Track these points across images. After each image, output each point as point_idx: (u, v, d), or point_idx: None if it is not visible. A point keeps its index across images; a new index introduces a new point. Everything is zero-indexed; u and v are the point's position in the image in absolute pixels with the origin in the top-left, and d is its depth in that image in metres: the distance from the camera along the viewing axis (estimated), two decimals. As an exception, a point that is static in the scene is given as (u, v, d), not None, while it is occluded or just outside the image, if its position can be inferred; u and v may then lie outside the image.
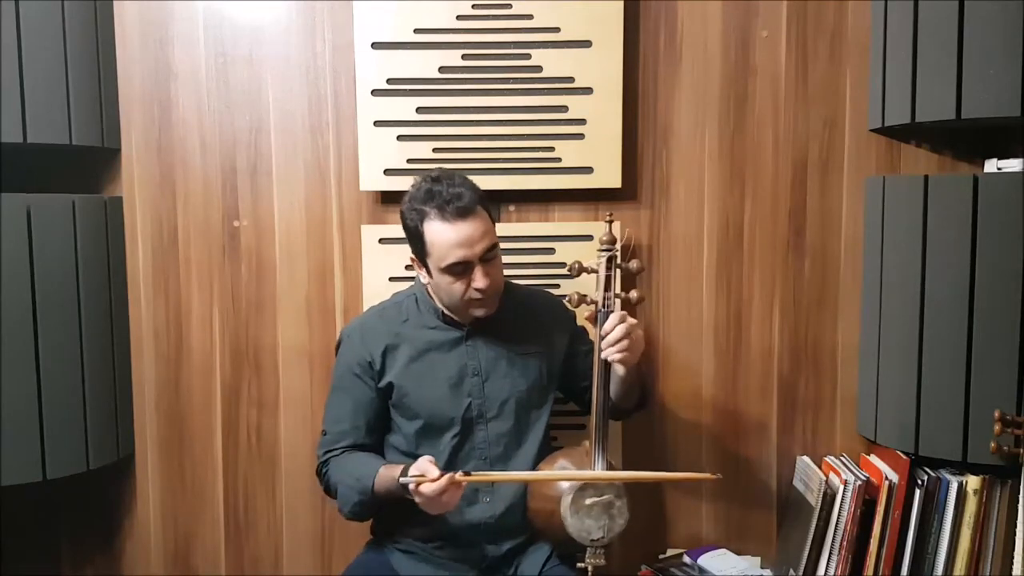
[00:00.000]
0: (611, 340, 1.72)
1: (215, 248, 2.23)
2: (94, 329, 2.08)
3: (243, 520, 2.29)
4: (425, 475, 1.63)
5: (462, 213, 1.72)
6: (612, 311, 1.77)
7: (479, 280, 1.74)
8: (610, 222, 1.84)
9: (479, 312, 1.80)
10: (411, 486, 1.64)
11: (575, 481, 1.74)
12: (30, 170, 2.14)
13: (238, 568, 2.30)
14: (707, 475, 1.81)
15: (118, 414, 2.19)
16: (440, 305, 1.85)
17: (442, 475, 1.62)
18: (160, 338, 2.24)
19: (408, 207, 1.77)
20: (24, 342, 1.96)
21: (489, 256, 1.75)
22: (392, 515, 1.86)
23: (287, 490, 2.28)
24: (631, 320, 1.74)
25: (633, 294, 1.80)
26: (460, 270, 1.74)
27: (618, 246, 1.80)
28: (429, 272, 1.79)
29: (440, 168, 1.83)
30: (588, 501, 1.73)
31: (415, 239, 1.77)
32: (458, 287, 1.75)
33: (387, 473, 1.74)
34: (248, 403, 2.26)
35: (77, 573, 2.31)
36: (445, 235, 1.72)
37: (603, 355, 1.74)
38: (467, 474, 1.66)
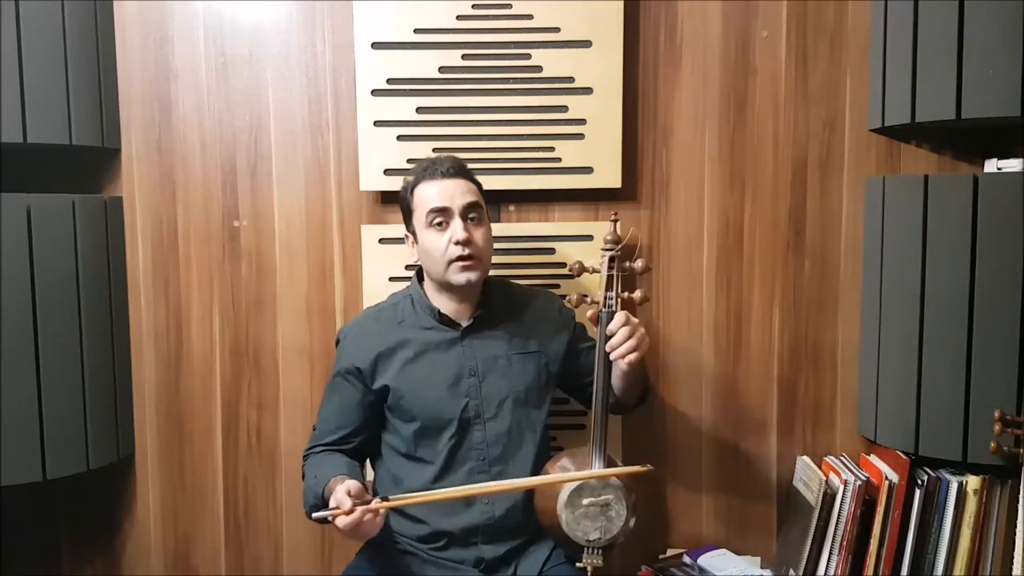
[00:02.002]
0: (617, 342, 1.71)
1: (215, 248, 2.23)
2: (94, 329, 2.08)
3: (243, 520, 2.29)
4: (340, 507, 1.60)
5: (446, 173, 1.82)
6: (615, 311, 1.77)
7: (459, 232, 1.77)
8: (615, 221, 1.84)
9: (463, 277, 1.79)
10: (328, 519, 1.61)
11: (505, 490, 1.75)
12: (30, 170, 2.14)
13: (238, 568, 2.30)
14: (639, 468, 1.72)
15: (118, 414, 2.19)
16: (437, 305, 1.85)
17: (354, 507, 1.59)
18: (160, 338, 2.24)
19: (405, 182, 1.88)
20: (24, 342, 1.96)
21: (472, 216, 1.81)
22: (392, 515, 1.86)
23: (287, 490, 2.28)
24: (634, 320, 1.74)
25: (637, 294, 1.79)
26: (440, 221, 1.79)
27: (621, 246, 1.80)
28: (416, 238, 1.84)
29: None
30: (584, 502, 1.73)
31: (405, 209, 1.87)
32: (441, 243, 1.79)
33: (333, 484, 1.71)
34: (248, 403, 2.26)
35: (77, 573, 2.31)
36: (428, 191, 1.81)
37: (612, 358, 1.73)
38: (385, 499, 1.66)
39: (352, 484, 1.64)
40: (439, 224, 1.79)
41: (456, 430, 1.83)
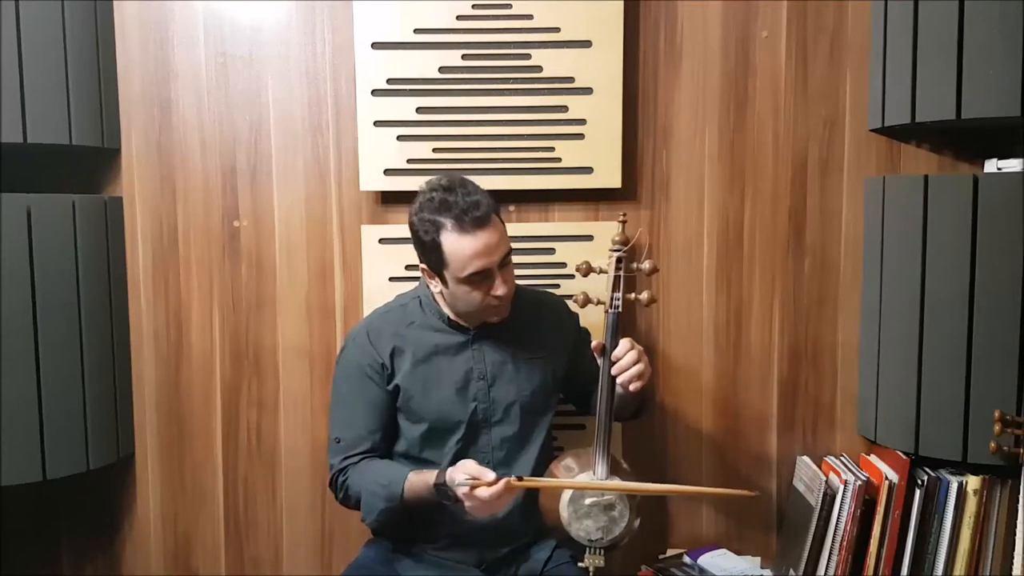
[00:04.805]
0: (624, 366, 1.70)
1: (215, 248, 2.22)
2: (94, 329, 2.08)
3: (243, 520, 2.29)
4: (480, 478, 1.60)
5: (480, 223, 1.69)
6: (621, 312, 1.77)
7: (499, 288, 1.73)
8: (623, 222, 1.83)
9: (495, 318, 1.80)
10: (465, 490, 1.60)
11: (621, 491, 1.72)
12: (30, 170, 2.13)
13: (238, 568, 2.30)
14: (744, 492, 1.73)
15: (118, 414, 2.18)
16: (447, 310, 1.84)
17: (498, 479, 1.59)
18: (160, 338, 2.24)
19: (420, 218, 1.73)
20: (24, 342, 1.96)
21: (505, 262, 1.74)
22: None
23: (287, 490, 2.28)
24: (639, 347, 1.72)
25: (644, 295, 1.78)
26: (479, 279, 1.72)
27: (629, 247, 1.79)
28: (444, 282, 1.76)
29: (447, 174, 1.79)
30: (587, 501, 1.72)
31: (431, 251, 1.73)
32: (476, 295, 1.74)
33: (417, 479, 1.71)
34: (248, 403, 2.26)
35: (77, 573, 2.31)
36: (465, 246, 1.69)
37: (619, 381, 1.72)
38: (520, 479, 1.63)
39: (472, 461, 1.66)
40: (477, 282, 1.72)
41: (464, 433, 1.83)
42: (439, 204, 1.71)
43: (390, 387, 1.83)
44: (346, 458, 1.83)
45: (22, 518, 2.24)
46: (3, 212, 1.92)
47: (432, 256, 1.74)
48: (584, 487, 1.74)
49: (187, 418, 2.26)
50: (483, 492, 1.59)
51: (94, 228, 2.09)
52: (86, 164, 2.19)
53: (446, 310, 1.84)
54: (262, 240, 2.22)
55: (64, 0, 2.00)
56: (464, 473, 1.62)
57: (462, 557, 1.85)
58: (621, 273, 1.79)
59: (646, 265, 1.80)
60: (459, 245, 1.69)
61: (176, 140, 2.20)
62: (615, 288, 1.78)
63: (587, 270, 1.82)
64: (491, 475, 1.60)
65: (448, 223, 1.70)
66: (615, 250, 1.79)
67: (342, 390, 1.87)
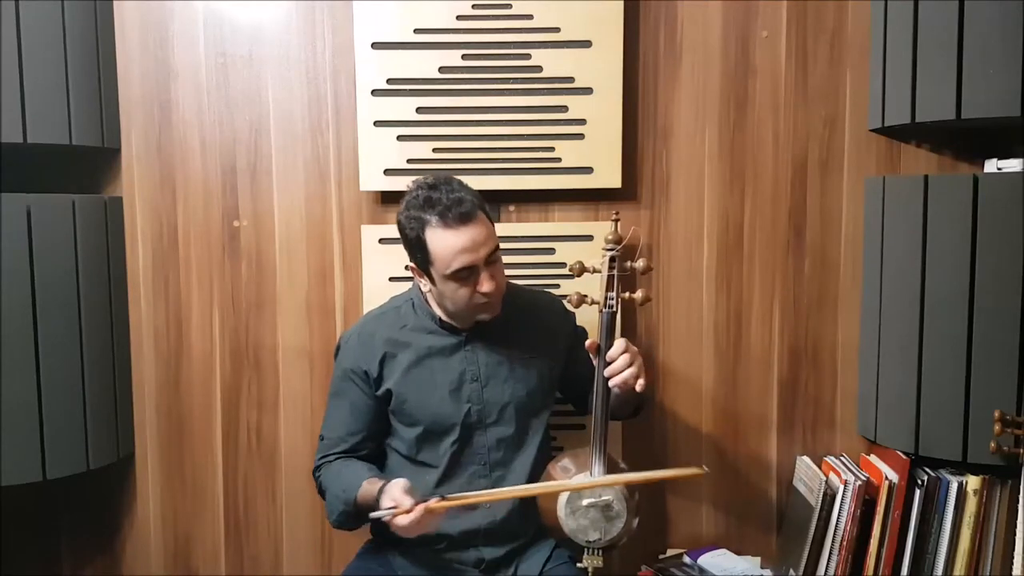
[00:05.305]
0: (618, 368, 1.69)
1: (215, 248, 2.23)
2: (94, 329, 2.08)
3: (243, 520, 2.29)
4: (399, 506, 1.60)
5: (464, 218, 1.69)
6: (615, 311, 1.76)
7: (485, 284, 1.72)
8: (616, 221, 1.83)
9: (484, 316, 1.79)
10: (384, 519, 1.62)
11: (571, 490, 1.72)
12: (30, 170, 2.14)
13: (238, 568, 2.30)
14: (694, 470, 1.70)
15: (118, 414, 2.19)
16: (439, 312, 1.84)
17: (415, 505, 1.59)
18: (160, 338, 2.24)
19: (406, 215, 1.73)
20: (24, 342, 1.96)
21: (492, 259, 1.74)
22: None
23: (287, 490, 2.28)
24: (633, 348, 1.72)
25: (639, 294, 1.78)
26: (465, 275, 1.71)
27: (622, 246, 1.79)
28: (432, 280, 1.76)
29: (434, 173, 1.79)
30: (585, 502, 1.72)
31: (416, 248, 1.74)
32: (463, 292, 1.73)
33: (369, 488, 1.72)
34: (248, 403, 2.26)
35: (77, 573, 2.31)
36: (448, 242, 1.69)
37: (611, 384, 1.71)
38: (442, 499, 1.63)
39: (405, 482, 1.65)
40: (464, 279, 1.72)
41: (459, 435, 1.82)
42: (423, 201, 1.71)
43: (379, 392, 1.83)
44: (324, 456, 1.86)
45: (22, 518, 2.24)
46: (3, 212, 1.92)
47: (418, 253, 1.74)
48: (511, 495, 1.76)
49: (187, 418, 2.27)
50: (401, 520, 1.60)
51: (94, 228, 2.10)
52: (86, 164, 2.19)
53: (437, 311, 1.84)
54: (262, 240, 2.22)
55: (64, 0, 2.00)
56: (389, 499, 1.63)
57: (460, 557, 1.85)
58: (615, 272, 1.78)
59: (639, 263, 1.79)
60: (443, 241, 1.69)
61: (176, 140, 2.20)
62: (609, 287, 1.77)
63: (580, 270, 1.81)
64: (408, 503, 1.60)
65: (432, 219, 1.69)
66: (608, 249, 1.79)
67: (332, 389, 1.91)
